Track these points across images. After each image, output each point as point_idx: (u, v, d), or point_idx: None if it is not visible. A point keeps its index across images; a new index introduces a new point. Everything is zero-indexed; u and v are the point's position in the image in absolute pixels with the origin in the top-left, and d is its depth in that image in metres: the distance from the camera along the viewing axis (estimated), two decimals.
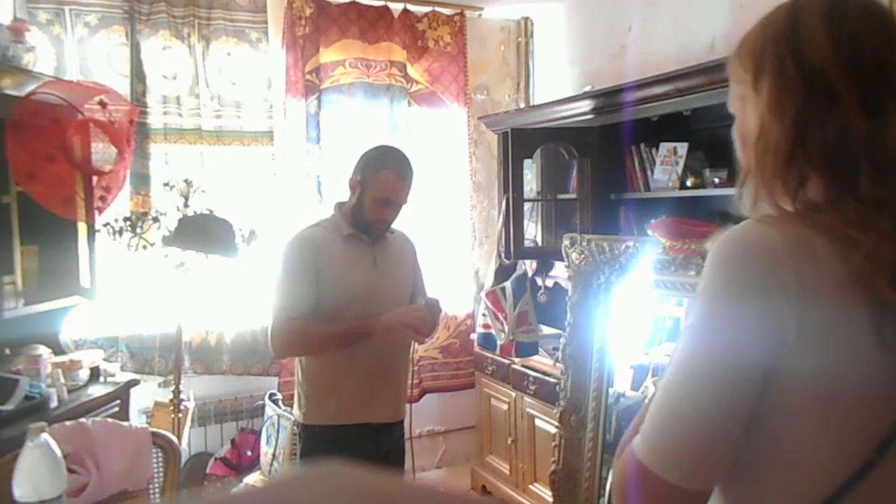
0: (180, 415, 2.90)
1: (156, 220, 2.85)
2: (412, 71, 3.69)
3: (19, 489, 1.29)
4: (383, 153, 2.10)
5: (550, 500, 2.69)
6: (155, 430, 1.91)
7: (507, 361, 3.27)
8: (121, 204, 2.96)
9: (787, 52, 0.77)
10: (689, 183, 2.71)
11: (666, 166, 2.81)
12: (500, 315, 3.12)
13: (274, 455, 3.02)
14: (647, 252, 2.27)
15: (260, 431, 3.22)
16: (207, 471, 3.26)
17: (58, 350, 2.79)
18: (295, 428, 2.40)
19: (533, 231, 3.62)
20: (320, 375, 2.07)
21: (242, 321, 3.36)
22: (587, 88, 3.23)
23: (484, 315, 3.23)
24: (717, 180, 2.59)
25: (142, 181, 3.17)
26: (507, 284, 3.12)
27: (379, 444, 2.09)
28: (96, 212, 2.69)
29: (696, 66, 2.37)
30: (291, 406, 2.40)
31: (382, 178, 2.03)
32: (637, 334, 2.55)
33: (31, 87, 2.44)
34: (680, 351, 0.78)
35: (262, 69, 3.37)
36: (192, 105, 3.25)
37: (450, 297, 3.60)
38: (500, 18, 4.06)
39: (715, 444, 0.74)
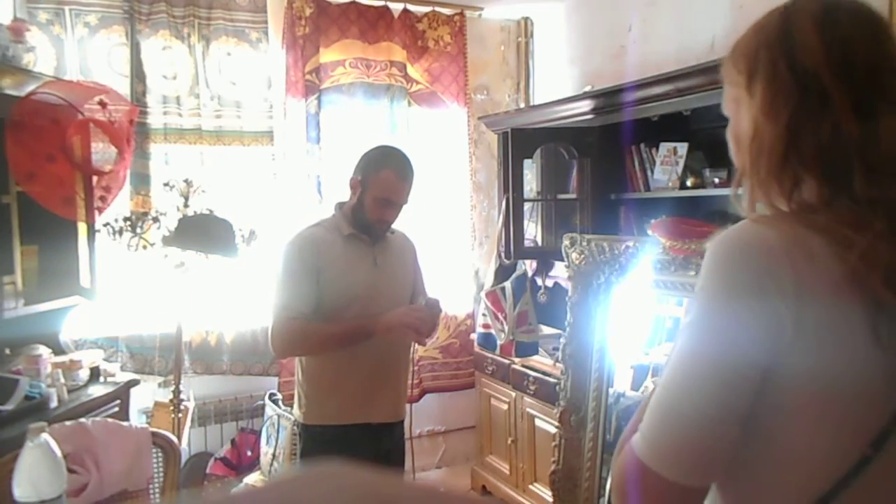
0: (180, 415, 2.90)
1: (156, 220, 2.85)
2: (412, 71, 3.69)
3: (19, 489, 1.29)
4: (384, 153, 2.10)
5: (550, 500, 2.69)
6: (155, 430, 1.91)
7: (507, 361, 3.27)
8: (121, 204, 2.96)
9: (781, 55, 0.79)
10: (689, 183, 2.71)
11: (666, 166, 2.81)
12: (499, 315, 3.12)
13: (274, 455, 3.02)
14: (647, 252, 2.27)
15: (260, 431, 3.22)
16: (207, 471, 3.26)
17: (58, 350, 2.79)
18: (295, 428, 2.40)
19: (533, 231, 3.62)
20: (320, 375, 2.07)
21: (242, 321, 3.36)
22: (587, 88, 3.23)
23: (484, 315, 3.23)
24: (717, 180, 2.59)
25: (142, 181, 3.17)
26: (507, 284, 3.12)
27: (379, 444, 2.09)
28: (96, 212, 2.69)
29: (696, 66, 2.37)
30: (291, 406, 2.40)
31: (383, 178, 2.03)
32: (637, 334, 2.55)
33: (31, 87, 2.44)
34: (678, 349, 0.79)
35: (262, 69, 3.37)
36: (192, 105, 3.25)
37: (450, 297, 3.60)
38: (500, 18, 4.06)
39: (713, 443, 0.75)
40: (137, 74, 3.15)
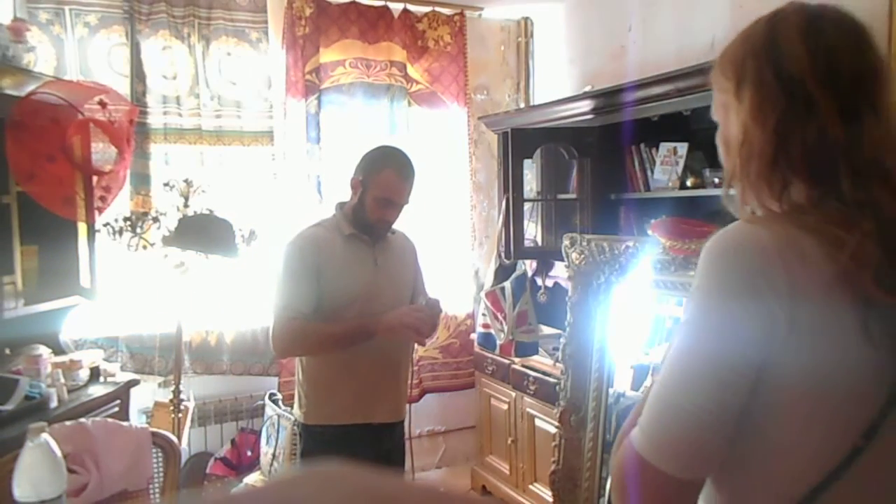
0: (180, 415, 2.90)
1: (156, 220, 2.85)
2: (412, 71, 3.69)
3: (19, 489, 1.29)
4: (385, 153, 2.10)
5: (550, 500, 2.69)
6: (155, 430, 1.91)
7: (507, 361, 3.27)
8: (121, 204, 2.96)
9: (767, 63, 0.82)
10: (689, 183, 2.71)
11: (666, 166, 2.81)
12: (499, 315, 3.12)
13: (274, 455, 3.02)
14: (647, 252, 2.27)
15: (260, 431, 3.22)
16: (207, 471, 3.26)
17: (58, 350, 2.79)
18: (295, 428, 2.40)
19: (533, 231, 3.62)
20: (321, 375, 2.07)
21: (242, 321, 3.36)
22: (587, 88, 3.23)
23: (484, 315, 3.23)
24: (717, 180, 2.59)
25: (142, 181, 3.17)
26: (507, 284, 3.12)
27: (379, 444, 2.09)
28: (96, 212, 2.69)
29: (696, 66, 2.37)
30: (291, 406, 2.40)
31: (384, 178, 2.03)
32: (637, 334, 2.55)
33: (31, 87, 2.44)
34: (675, 347, 0.81)
35: (262, 69, 3.37)
36: (192, 105, 3.25)
37: (450, 297, 3.60)
38: (500, 18, 4.06)
39: (710, 437, 0.77)
40: (137, 74, 3.15)
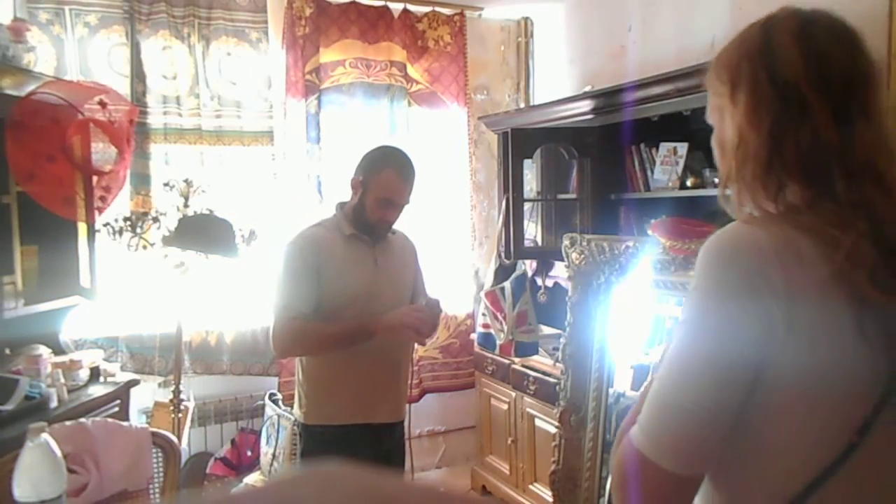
0: (180, 415, 2.90)
1: (156, 220, 2.85)
2: (412, 71, 3.69)
3: (19, 489, 1.29)
4: (385, 153, 2.10)
5: (550, 500, 2.69)
6: (155, 430, 1.91)
7: (507, 361, 3.27)
8: (121, 204, 2.96)
9: (762, 67, 0.83)
10: (689, 183, 2.71)
11: (666, 166, 2.81)
12: (499, 315, 3.12)
13: (274, 455, 3.02)
14: (647, 252, 2.27)
15: (260, 431, 3.22)
16: (207, 471, 3.26)
17: (58, 350, 2.79)
18: (295, 428, 2.40)
19: (533, 231, 3.62)
20: (321, 375, 2.07)
21: (242, 321, 3.36)
22: (587, 88, 3.23)
23: (484, 315, 3.23)
24: (716, 180, 2.56)
25: (142, 181, 3.17)
26: (507, 284, 3.12)
27: (380, 444, 2.09)
28: (96, 212, 2.69)
29: (696, 66, 2.37)
30: (291, 406, 2.40)
31: (384, 178, 2.03)
32: (637, 334, 2.55)
33: (31, 87, 2.44)
34: (674, 347, 0.82)
35: (262, 69, 3.37)
36: (192, 105, 3.25)
37: (450, 297, 3.60)
38: (500, 18, 4.06)
39: (709, 435, 0.78)
40: (137, 74, 3.15)
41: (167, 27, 3.17)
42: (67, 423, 1.76)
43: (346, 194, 2.13)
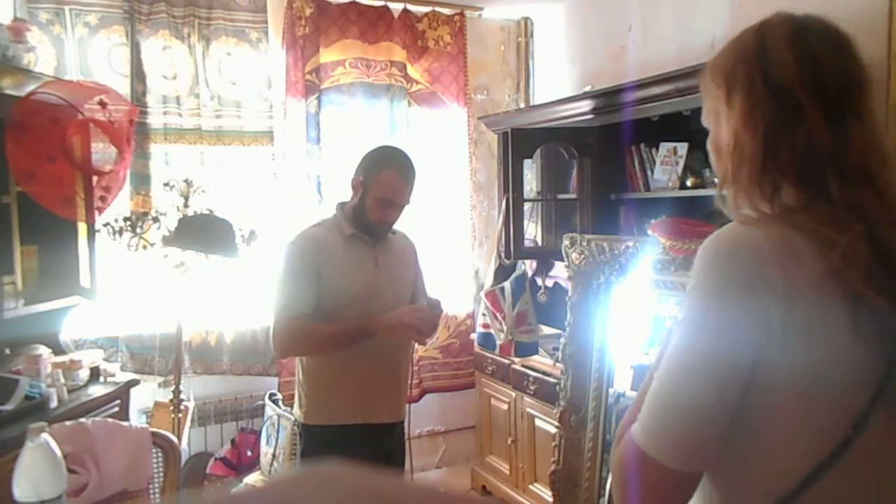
0: (180, 415, 2.90)
1: (156, 220, 2.85)
2: (412, 71, 3.70)
3: (19, 489, 1.29)
4: (386, 153, 2.10)
5: (550, 500, 2.69)
6: (155, 430, 1.91)
7: (507, 361, 3.27)
8: (121, 204, 2.96)
9: (757, 71, 0.85)
10: (689, 183, 2.71)
11: (666, 166, 2.81)
12: (498, 315, 3.12)
13: (274, 455, 3.02)
14: (647, 252, 2.27)
15: (260, 431, 3.22)
16: (207, 471, 3.26)
17: (58, 350, 2.79)
18: (295, 428, 2.40)
19: (533, 231, 3.62)
20: (321, 375, 2.07)
21: (242, 321, 3.36)
22: (587, 88, 3.23)
23: (484, 315, 3.23)
24: (716, 180, 2.58)
25: (142, 181, 3.17)
26: (506, 284, 3.12)
27: (380, 444, 2.09)
28: (96, 212, 2.69)
29: (696, 66, 2.37)
30: (291, 406, 2.40)
31: (385, 178, 2.03)
32: (637, 334, 2.55)
33: (31, 87, 2.45)
34: (674, 345, 0.83)
35: (262, 69, 3.37)
36: (192, 105, 3.25)
37: (450, 297, 3.60)
38: (500, 18, 4.06)
39: (711, 431, 0.80)
40: (137, 74, 3.15)
41: (167, 27, 3.17)
42: (67, 423, 1.76)
43: (346, 194, 2.13)
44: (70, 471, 1.51)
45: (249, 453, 3.30)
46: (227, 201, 3.16)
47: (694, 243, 2.02)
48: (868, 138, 0.83)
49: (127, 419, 2.73)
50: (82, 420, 1.80)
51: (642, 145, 2.94)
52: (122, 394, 2.76)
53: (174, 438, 1.93)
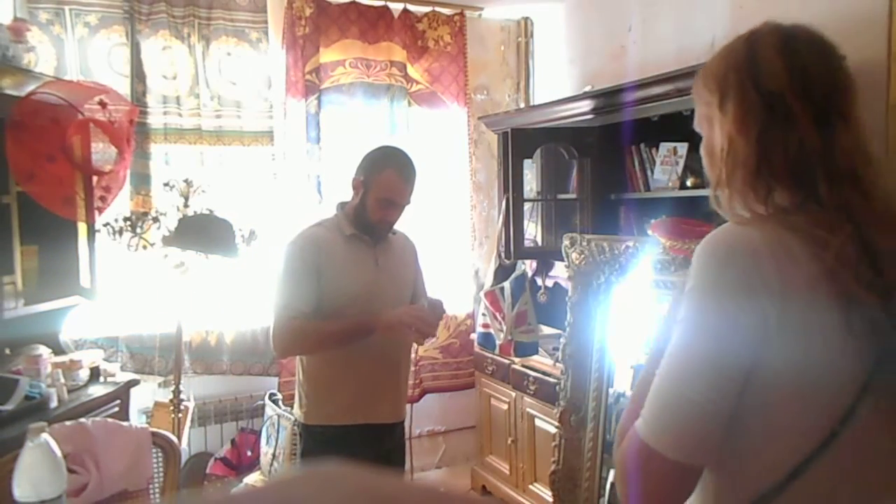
0: (180, 415, 2.90)
1: (156, 220, 2.85)
2: (412, 71, 3.70)
3: (19, 489, 1.29)
4: (386, 154, 2.10)
5: (550, 500, 2.69)
6: (155, 430, 1.91)
7: (507, 361, 3.27)
8: (121, 204, 2.96)
9: (748, 78, 0.89)
10: (689, 183, 2.71)
11: (666, 166, 2.81)
12: (498, 315, 3.12)
13: (274, 455, 3.02)
14: (647, 252, 2.28)
15: (260, 431, 3.22)
16: (207, 471, 3.26)
17: (58, 350, 2.79)
18: (295, 428, 2.40)
19: (533, 231, 3.62)
20: (321, 375, 2.07)
21: (242, 321, 3.36)
22: (587, 88, 3.23)
23: (483, 315, 3.23)
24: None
25: (142, 181, 3.17)
26: (506, 284, 3.12)
27: (380, 444, 2.09)
28: (96, 212, 2.69)
29: (696, 66, 2.35)
30: (291, 406, 2.40)
31: (385, 178, 2.03)
32: (637, 334, 2.55)
33: (31, 87, 2.44)
34: (674, 344, 0.85)
35: (262, 69, 3.37)
36: (192, 105, 3.25)
37: (450, 297, 3.59)
38: (500, 18, 4.06)
39: (714, 427, 0.82)
40: (137, 74, 3.15)
41: (167, 27, 3.17)
42: (67, 423, 1.76)
43: (346, 194, 2.13)
44: (70, 471, 1.51)
45: (249, 453, 3.30)
46: (227, 201, 3.16)
47: (694, 243, 2.02)
48: (854, 141, 0.87)
49: (127, 419, 2.73)
50: (82, 420, 1.80)
51: (642, 145, 2.94)
52: (122, 394, 2.76)
53: (174, 438, 1.93)
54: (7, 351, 2.61)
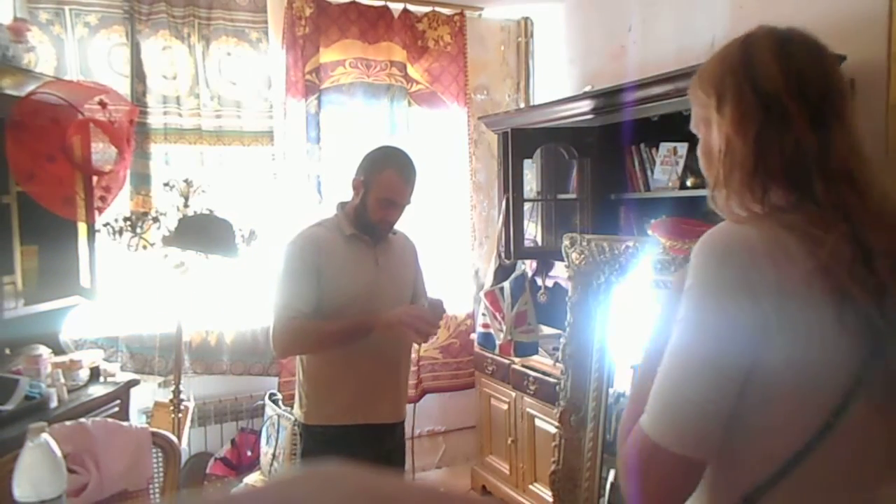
0: (180, 415, 2.90)
1: (156, 220, 2.85)
2: (412, 71, 3.70)
3: (19, 489, 1.29)
4: (387, 154, 2.10)
5: (550, 500, 2.69)
6: (155, 430, 1.91)
7: (507, 361, 3.27)
8: (121, 204, 2.96)
9: (745, 80, 0.91)
10: (689, 183, 2.71)
11: (666, 166, 2.81)
12: (497, 315, 3.13)
13: (274, 455, 3.02)
14: (647, 252, 2.28)
15: (260, 431, 3.22)
16: (207, 471, 3.26)
17: (58, 350, 2.79)
18: (296, 428, 2.40)
19: (533, 231, 3.62)
20: (321, 375, 2.07)
21: (242, 321, 3.36)
22: (587, 88, 3.23)
23: (483, 315, 3.23)
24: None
25: (142, 181, 3.17)
26: (506, 284, 3.12)
27: (380, 444, 2.09)
28: (96, 212, 2.69)
29: (696, 66, 2.35)
30: (291, 406, 2.40)
31: (386, 178, 2.03)
32: (637, 334, 2.55)
33: (31, 87, 2.44)
34: (674, 344, 0.86)
35: (262, 69, 3.37)
36: (192, 105, 3.25)
37: (450, 297, 3.59)
38: (500, 18, 4.06)
39: (715, 425, 0.84)
40: (137, 74, 3.15)
41: (167, 27, 3.17)
42: (67, 423, 1.76)
43: (346, 194, 2.13)
44: (70, 471, 1.51)
45: (249, 453, 3.31)
46: (227, 201, 3.16)
47: (694, 243, 2.02)
48: (849, 141, 0.89)
49: (127, 419, 2.73)
50: (82, 420, 1.80)
51: (642, 145, 2.94)
52: (122, 394, 2.76)
53: (174, 438, 1.93)
54: (7, 351, 2.61)
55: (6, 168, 2.40)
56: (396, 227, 2.15)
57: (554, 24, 3.92)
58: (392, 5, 3.63)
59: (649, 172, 2.91)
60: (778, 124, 0.88)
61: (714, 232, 0.88)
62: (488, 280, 3.29)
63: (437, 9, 3.76)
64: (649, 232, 2.17)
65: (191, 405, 3.07)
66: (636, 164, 2.98)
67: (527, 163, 3.38)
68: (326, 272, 2.00)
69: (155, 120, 3.19)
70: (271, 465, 3.03)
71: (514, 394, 3.26)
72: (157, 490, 1.83)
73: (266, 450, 3.10)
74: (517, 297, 3.09)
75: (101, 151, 2.70)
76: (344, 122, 3.57)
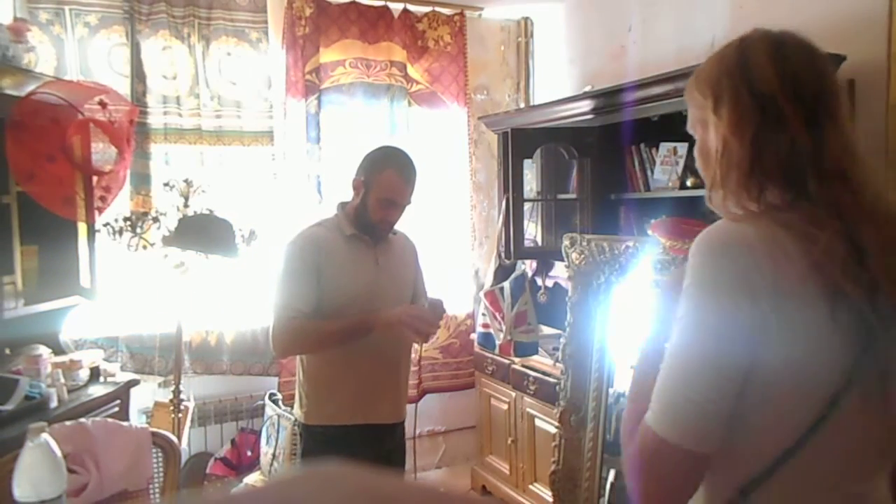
0: (180, 415, 2.90)
1: (156, 220, 2.85)
2: (412, 71, 3.70)
3: (19, 489, 1.29)
4: (387, 154, 2.10)
5: (550, 500, 2.69)
6: (155, 430, 1.91)
7: (507, 361, 3.27)
8: (121, 204, 2.96)
9: (741, 82, 0.93)
10: (689, 183, 2.71)
11: (666, 166, 2.81)
12: (497, 315, 3.13)
13: (274, 455, 3.02)
14: (647, 252, 2.27)
15: (260, 431, 3.22)
16: (207, 471, 3.26)
17: (58, 350, 2.79)
18: (296, 428, 2.40)
19: (533, 231, 3.62)
20: (322, 375, 2.07)
21: (242, 321, 3.37)
22: (587, 88, 3.23)
23: (483, 315, 3.23)
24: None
25: (142, 181, 3.17)
26: (506, 285, 3.12)
27: (380, 444, 2.09)
28: (96, 212, 2.69)
29: (696, 66, 2.35)
30: (291, 406, 2.40)
31: (386, 178, 2.03)
32: (637, 334, 2.55)
33: (31, 87, 2.44)
34: (674, 343, 0.88)
35: (262, 69, 3.37)
36: (192, 105, 3.25)
37: (450, 297, 3.59)
38: (500, 18, 4.06)
39: (716, 424, 0.85)
40: (137, 74, 3.15)
41: (167, 27, 3.17)
42: (67, 423, 1.76)
43: (346, 194, 2.13)
44: (70, 471, 1.51)
45: (249, 453, 3.31)
46: (227, 201, 3.16)
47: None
48: (843, 141, 0.91)
49: (127, 419, 2.73)
50: (82, 420, 1.80)
51: (642, 145, 2.94)
52: (122, 394, 2.76)
53: (174, 438, 1.93)
54: (7, 351, 2.61)
55: (6, 168, 2.40)
56: (397, 227, 2.15)
57: (554, 24, 3.92)
58: (392, 5, 3.63)
59: (649, 172, 2.91)
60: (774, 125, 0.89)
61: (711, 230, 0.89)
62: (488, 280, 3.29)
63: (437, 9, 3.76)
64: (649, 232, 2.17)
65: (191, 405, 3.07)
66: (636, 164, 2.98)
67: (527, 163, 3.38)
68: (326, 272, 2.00)
69: (155, 120, 3.19)
70: (271, 465, 3.03)
71: (514, 394, 3.26)
72: (157, 490, 1.83)
73: (266, 450, 3.10)
74: (517, 297, 3.09)
75: (101, 151, 2.70)
76: (344, 122, 3.57)
